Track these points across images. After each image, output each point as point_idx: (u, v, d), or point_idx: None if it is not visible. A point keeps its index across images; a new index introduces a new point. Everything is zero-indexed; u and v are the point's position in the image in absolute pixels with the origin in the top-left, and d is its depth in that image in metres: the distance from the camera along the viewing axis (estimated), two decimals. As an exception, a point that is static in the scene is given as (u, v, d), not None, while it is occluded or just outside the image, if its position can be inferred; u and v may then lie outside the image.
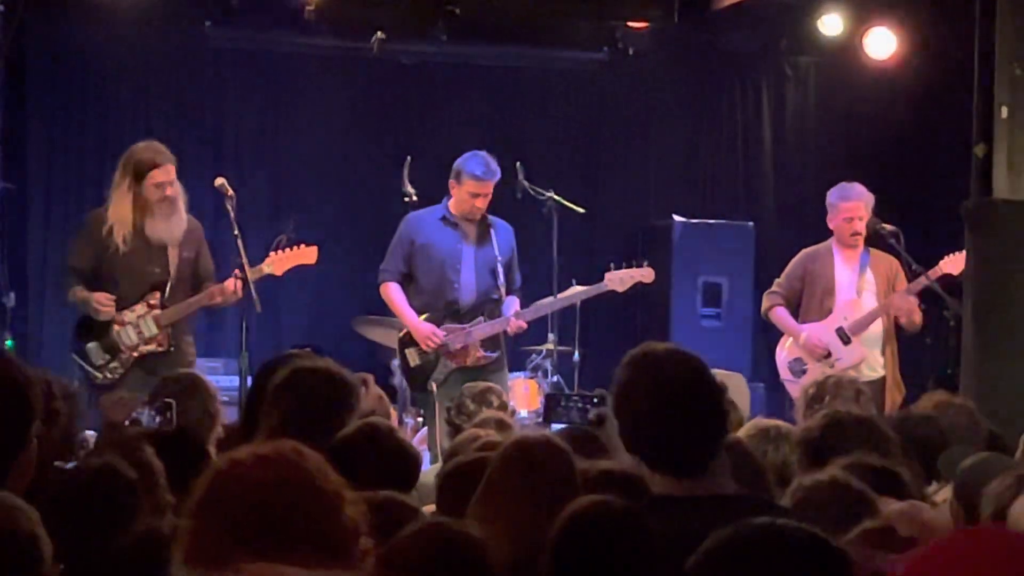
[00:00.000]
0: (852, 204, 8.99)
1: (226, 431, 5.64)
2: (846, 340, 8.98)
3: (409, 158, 9.65)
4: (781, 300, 9.17)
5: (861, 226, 8.99)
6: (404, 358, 8.78)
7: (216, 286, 8.25)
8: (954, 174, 9.40)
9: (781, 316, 9.17)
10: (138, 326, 8.21)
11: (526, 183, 9.79)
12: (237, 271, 8.26)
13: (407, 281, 8.76)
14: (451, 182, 8.68)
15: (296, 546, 2.46)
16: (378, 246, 8.93)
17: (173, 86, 11.54)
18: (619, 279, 8.95)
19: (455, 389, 7.86)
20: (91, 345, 8.24)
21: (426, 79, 11.88)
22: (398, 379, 9.34)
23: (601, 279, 9.00)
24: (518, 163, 9.72)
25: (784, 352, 9.19)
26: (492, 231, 8.70)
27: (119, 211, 8.19)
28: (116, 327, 8.19)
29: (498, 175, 8.68)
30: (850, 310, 9.02)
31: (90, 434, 5.59)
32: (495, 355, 8.70)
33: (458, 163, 8.68)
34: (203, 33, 11.28)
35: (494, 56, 11.98)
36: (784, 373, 9.15)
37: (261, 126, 11.79)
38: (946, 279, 8.91)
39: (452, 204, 8.72)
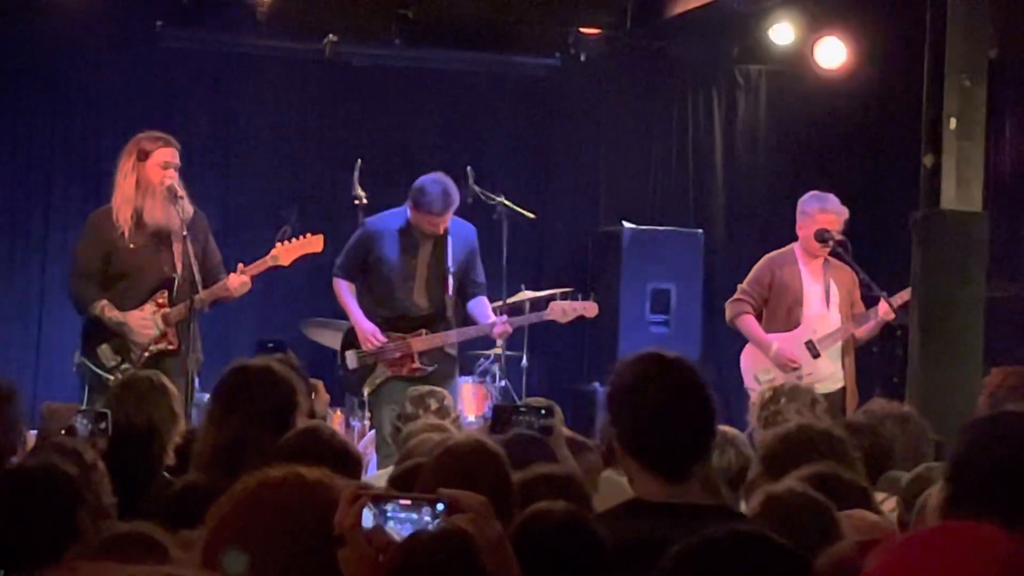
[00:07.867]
0: (831, 217, 8.88)
1: (184, 438, 5.49)
2: (815, 354, 8.85)
3: (360, 161, 9.63)
4: (749, 308, 8.96)
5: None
6: (343, 360, 8.76)
7: (218, 285, 8.09)
8: (903, 184, 9.45)
9: (750, 325, 8.96)
10: (148, 325, 8.06)
11: (477, 187, 9.78)
12: (241, 265, 8.18)
13: (361, 288, 8.73)
14: (410, 204, 8.51)
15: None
16: (329, 248, 8.87)
17: (123, 86, 11.44)
18: (562, 310, 8.90)
19: (389, 396, 7.86)
20: (102, 347, 8.02)
21: (378, 82, 11.85)
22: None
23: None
24: (469, 167, 9.71)
25: (750, 360, 9.03)
26: (448, 239, 8.57)
27: (122, 193, 8.05)
28: (127, 328, 8.01)
29: (456, 203, 8.51)
30: (820, 323, 8.89)
31: (32, 433, 5.55)
32: (432, 368, 8.58)
33: (416, 190, 8.47)
34: (154, 33, 11.22)
35: (446, 60, 11.96)
36: (749, 382, 8.92)
37: (212, 127, 11.72)
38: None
39: (412, 217, 8.57)
